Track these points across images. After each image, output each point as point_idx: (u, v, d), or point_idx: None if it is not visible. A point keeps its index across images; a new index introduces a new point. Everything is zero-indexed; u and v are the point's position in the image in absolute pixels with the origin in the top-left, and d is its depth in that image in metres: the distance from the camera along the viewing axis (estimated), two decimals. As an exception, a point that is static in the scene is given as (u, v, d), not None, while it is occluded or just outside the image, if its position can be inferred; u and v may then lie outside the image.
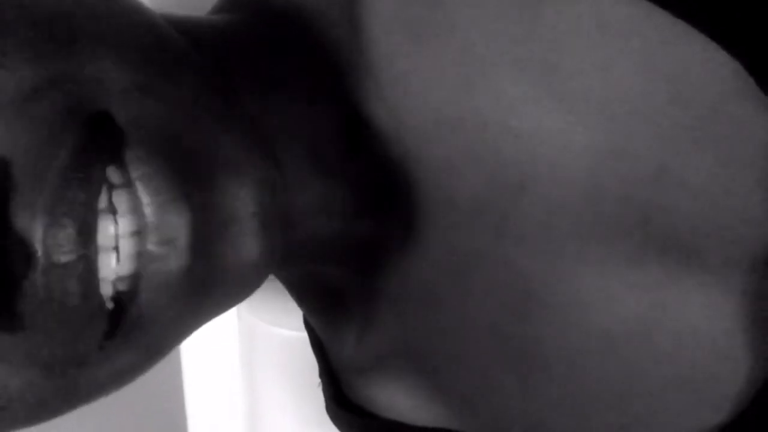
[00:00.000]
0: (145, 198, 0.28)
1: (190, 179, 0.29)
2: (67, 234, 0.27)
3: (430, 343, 0.40)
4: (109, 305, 0.29)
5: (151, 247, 0.28)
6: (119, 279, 0.29)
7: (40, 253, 0.27)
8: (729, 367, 0.34)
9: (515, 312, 0.37)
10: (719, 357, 0.34)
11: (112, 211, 0.28)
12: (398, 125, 0.37)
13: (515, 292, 0.37)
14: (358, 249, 0.40)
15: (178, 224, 0.28)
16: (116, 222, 0.28)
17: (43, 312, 0.28)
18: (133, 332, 0.29)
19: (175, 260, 0.28)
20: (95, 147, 0.28)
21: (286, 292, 0.47)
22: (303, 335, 0.50)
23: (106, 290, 0.29)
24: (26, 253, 0.27)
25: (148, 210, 0.28)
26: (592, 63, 0.32)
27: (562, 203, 0.34)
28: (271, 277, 0.46)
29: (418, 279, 0.39)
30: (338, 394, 0.45)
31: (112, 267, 0.28)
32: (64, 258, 0.27)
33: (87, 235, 0.27)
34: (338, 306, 0.43)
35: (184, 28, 0.36)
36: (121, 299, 0.29)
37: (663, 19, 0.31)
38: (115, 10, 0.32)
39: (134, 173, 0.28)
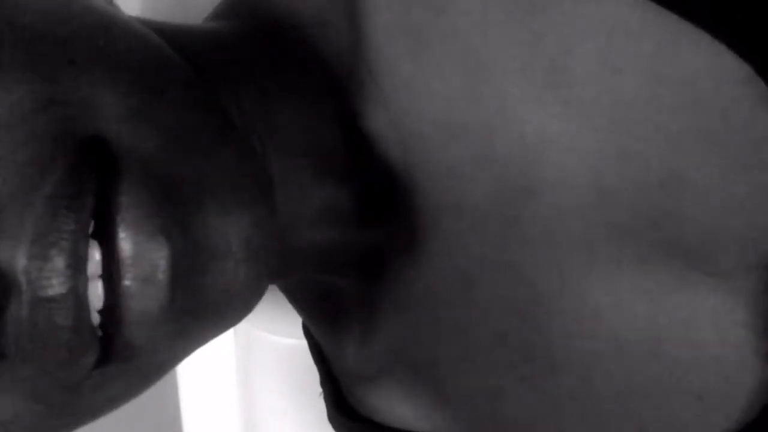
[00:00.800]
0: (122, 232, 0.27)
1: (172, 212, 0.28)
2: (54, 266, 0.26)
3: (433, 350, 0.40)
4: (99, 333, 0.28)
5: (127, 282, 0.27)
6: (106, 308, 0.28)
7: (24, 286, 0.26)
8: (739, 373, 0.34)
9: (521, 319, 0.37)
10: (729, 363, 0.34)
11: (100, 238, 0.27)
12: (401, 132, 0.36)
13: (521, 299, 0.36)
14: (360, 257, 0.40)
15: (157, 259, 0.27)
16: (103, 248, 0.27)
17: (29, 344, 0.27)
18: (122, 361, 0.29)
19: (155, 296, 0.27)
20: (86, 173, 0.27)
21: (283, 300, 0.47)
22: (300, 343, 0.50)
23: (96, 319, 0.28)
24: (6, 284, 0.26)
25: (125, 244, 0.27)
26: (600, 67, 0.32)
27: (570, 209, 0.34)
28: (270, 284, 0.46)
29: (422, 286, 0.39)
30: (340, 401, 0.45)
31: (99, 294, 0.28)
32: (51, 291, 0.26)
33: (76, 266, 0.26)
34: (339, 313, 0.43)
35: (180, 40, 0.36)
36: (108, 328, 0.28)
37: (672, 22, 0.30)
38: (112, 33, 0.31)
39: (118, 204, 0.27)
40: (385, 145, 0.37)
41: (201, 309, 0.29)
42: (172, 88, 0.31)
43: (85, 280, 0.27)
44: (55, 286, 0.26)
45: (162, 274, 0.27)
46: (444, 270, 0.38)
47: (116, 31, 0.31)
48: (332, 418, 0.46)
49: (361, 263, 0.40)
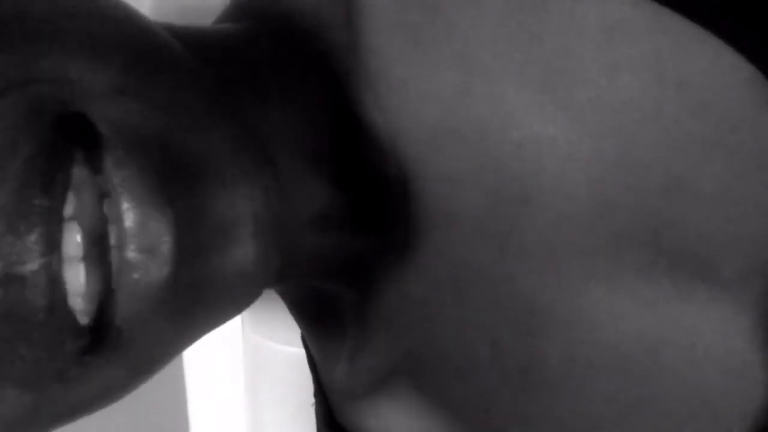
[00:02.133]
0: (125, 204, 0.26)
1: (174, 183, 0.27)
2: (25, 242, 0.25)
3: (427, 361, 0.39)
4: (83, 320, 0.27)
5: (130, 255, 0.26)
6: (99, 292, 0.27)
7: None
8: (743, 384, 0.33)
9: (518, 329, 0.36)
10: (733, 374, 0.33)
11: (80, 218, 0.27)
12: (396, 135, 0.36)
13: (518, 309, 0.36)
14: (354, 264, 0.39)
15: (160, 231, 0.26)
16: (82, 230, 0.27)
17: (5, 326, 0.26)
18: (116, 348, 0.28)
19: (157, 269, 0.27)
20: (62, 149, 0.26)
21: (289, 309, 0.47)
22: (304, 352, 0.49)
23: (77, 304, 0.27)
24: None
25: (127, 216, 0.26)
26: (599, 69, 0.31)
27: (568, 216, 0.33)
28: (276, 294, 0.46)
29: (417, 295, 0.38)
30: (329, 417, 0.44)
31: (81, 280, 0.27)
32: (23, 269, 0.25)
33: (50, 243, 0.26)
34: (334, 324, 0.42)
35: (184, 37, 0.35)
36: (102, 312, 0.28)
37: (674, 22, 0.30)
38: (98, 12, 0.30)
39: (114, 179, 0.27)
40: (380, 148, 0.36)
41: (206, 285, 0.28)
42: (163, 68, 0.30)
43: (59, 258, 0.26)
44: (27, 263, 0.25)
45: (166, 246, 0.26)
46: (439, 279, 0.37)
47: (102, 11, 0.31)
48: None
49: (355, 271, 0.39)
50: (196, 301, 0.29)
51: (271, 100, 0.37)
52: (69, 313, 0.27)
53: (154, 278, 0.27)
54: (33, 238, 0.25)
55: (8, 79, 0.27)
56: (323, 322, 0.43)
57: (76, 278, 0.27)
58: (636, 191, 0.32)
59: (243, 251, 0.29)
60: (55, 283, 0.26)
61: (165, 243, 0.27)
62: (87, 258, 0.27)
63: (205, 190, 0.28)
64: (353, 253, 0.39)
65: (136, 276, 0.27)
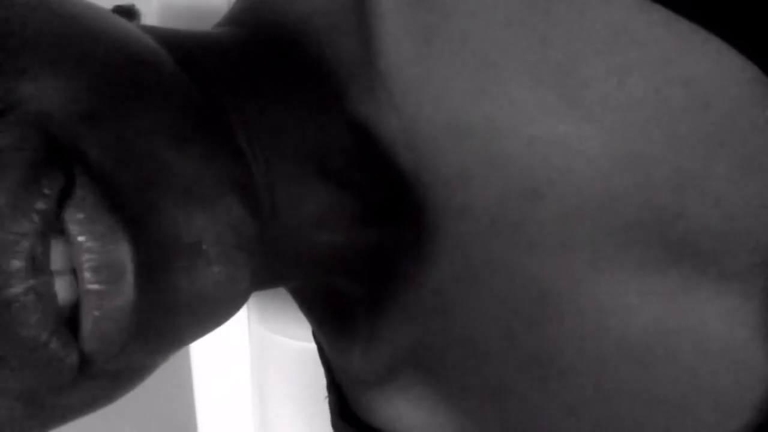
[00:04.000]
0: (81, 233, 0.27)
1: (133, 209, 0.28)
2: (11, 267, 0.26)
3: (440, 353, 0.40)
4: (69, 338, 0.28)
5: (92, 285, 0.27)
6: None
7: None
8: (749, 375, 0.34)
9: (530, 320, 0.37)
10: (739, 365, 0.34)
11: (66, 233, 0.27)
12: (410, 134, 0.36)
13: (530, 301, 0.36)
14: (367, 259, 0.40)
15: (119, 257, 0.27)
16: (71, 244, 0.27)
17: (4, 348, 0.27)
18: (91, 365, 0.28)
19: (119, 295, 0.27)
20: (42, 177, 0.27)
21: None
22: (314, 346, 0.50)
23: (64, 313, 0.28)
24: None
25: (84, 243, 0.27)
26: (608, 69, 0.32)
27: (578, 210, 0.34)
28: (282, 288, 0.46)
29: (430, 288, 0.39)
30: (343, 409, 0.45)
31: (71, 291, 0.27)
32: (10, 292, 0.26)
33: (34, 266, 0.26)
34: (345, 319, 0.43)
35: (184, 45, 0.36)
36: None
37: (679, 24, 0.30)
38: (75, 36, 0.31)
39: (76, 203, 0.27)
40: (394, 147, 0.37)
41: (171, 309, 0.29)
42: (134, 92, 0.31)
43: (47, 279, 0.27)
44: (14, 286, 0.26)
45: (127, 272, 0.27)
46: (451, 273, 0.38)
47: (81, 33, 0.31)
48: (335, 425, 0.46)
49: (368, 267, 0.40)
50: (164, 321, 0.29)
51: (275, 103, 0.37)
52: (62, 329, 0.27)
53: (118, 305, 0.27)
54: (19, 264, 0.26)
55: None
56: (335, 317, 0.44)
57: (64, 290, 0.27)
58: (643, 186, 0.33)
59: (206, 275, 0.29)
60: (44, 302, 0.27)
61: (125, 270, 0.27)
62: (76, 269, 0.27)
63: (164, 216, 0.28)
64: (366, 248, 0.39)
65: (99, 302, 0.27)
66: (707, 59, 0.30)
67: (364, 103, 0.37)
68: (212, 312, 0.30)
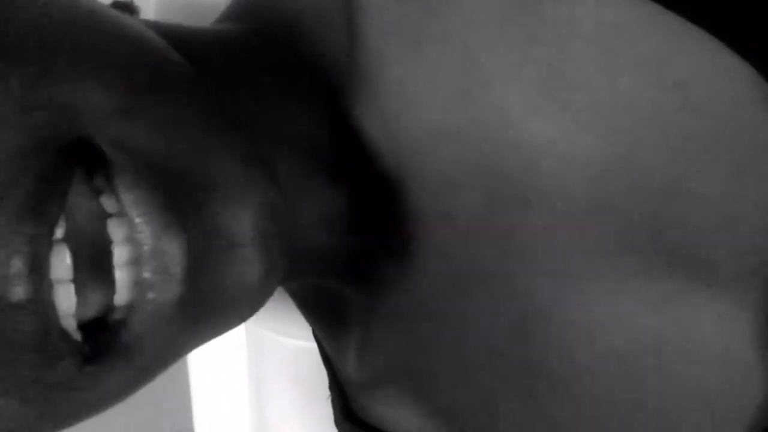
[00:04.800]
0: (139, 225, 0.27)
1: (184, 203, 0.28)
2: (15, 271, 0.26)
3: (430, 362, 0.39)
4: (77, 336, 0.28)
5: (147, 275, 0.27)
6: (116, 308, 0.28)
7: None
8: (742, 384, 0.33)
9: (518, 332, 0.36)
10: (732, 374, 0.33)
11: (71, 240, 0.27)
12: (393, 135, 0.36)
13: (518, 310, 0.36)
14: (358, 263, 0.39)
15: (174, 251, 0.27)
16: (70, 253, 0.27)
17: (3, 351, 0.27)
18: (122, 358, 0.29)
19: (171, 288, 0.28)
20: (61, 175, 0.27)
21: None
22: (312, 345, 0.49)
23: (69, 324, 0.28)
24: None
25: (143, 237, 0.27)
26: (598, 69, 0.31)
27: (567, 217, 0.33)
28: (279, 287, 0.46)
29: (417, 296, 0.38)
30: (346, 408, 0.45)
31: (73, 300, 0.27)
32: (14, 297, 0.26)
33: (38, 271, 0.26)
34: (340, 321, 0.43)
35: (182, 42, 0.35)
36: (107, 324, 0.28)
37: (672, 22, 0.30)
38: (97, 32, 0.31)
39: (125, 200, 0.27)
40: (378, 148, 0.36)
41: (215, 300, 0.29)
42: (164, 86, 0.31)
43: (50, 284, 0.27)
44: (18, 292, 0.26)
45: (180, 265, 0.27)
46: (438, 280, 0.37)
47: (100, 30, 0.31)
48: (338, 424, 0.45)
49: (359, 270, 0.39)
50: (205, 314, 0.29)
51: (270, 100, 0.37)
52: (63, 333, 0.27)
53: (168, 297, 0.28)
54: (23, 268, 0.26)
55: (12, 108, 0.27)
56: (331, 319, 0.43)
57: (68, 299, 0.27)
58: (635, 192, 0.32)
59: (251, 267, 0.29)
60: (47, 308, 0.26)
61: (178, 265, 0.27)
62: (77, 279, 0.27)
63: (213, 210, 0.28)
64: (356, 253, 0.39)
65: (151, 296, 0.28)
66: (701, 59, 0.30)
67: (351, 103, 0.37)
68: (249, 303, 0.31)
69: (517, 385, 0.37)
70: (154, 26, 0.36)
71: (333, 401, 0.46)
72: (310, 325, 0.47)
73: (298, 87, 0.38)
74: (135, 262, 0.27)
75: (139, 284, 0.27)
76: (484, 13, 0.32)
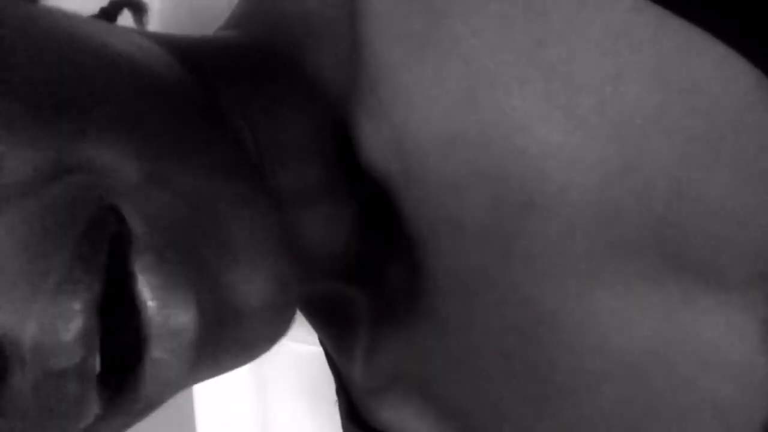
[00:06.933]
0: (150, 300, 0.27)
1: (198, 277, 0.28)
2: (64, 340, 0.26)
3: (436, 367, 0.39)
4: (101, 392, 0.28)
5: (156, 354, 0.28)
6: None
7: (31, 358, 0.26)
8: (751, 389, 0.33)
9: (525, 337, 0.36)
10: (740, 379, 0.33)
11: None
12: (399, 141, 0.36)
13: (525, 316, 0.36)
14: (362, 269, 0.39)
15: (184, 325, 0.28)
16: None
17: (34, 412, 0.27)
18: (129, 410, 0.29)
19: (180, 358, 0.28)
20: (98, 246, 0.27)
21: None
22: (317, 350, 0.49)
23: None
24: (11, 353, 0.26)
25: (151, 310, 0.27)
26: (604, 74, 0.31)
27: (573, 222, 0.33)
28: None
29: (424, 302, 0.38)
30: (353, 412, 0.45)
31: (98, 359, 0.28)
32: (60, 365, 0.26)
33: (87, 341, 0.26)
34: (346, 326, 0.43)
35: (190, 54, 0.36)
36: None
37: (678, 27, 0.29)
38: (131, 90, 0.31)
39: (142, 273, 0.27)
40: (384, 155, 0.36)
41: (220, 361, 0.30)
42: (190, 146, 0.31)
43: (95, 353, 0.27)
44: (65, 360, 0.26)
45: (189, 341, 0.28)
46: (445, 285, 0.37)
47: (127, 88, 0.31)
48: (345, 429, 0.45)
49: (365, 276, 0.39)
50: (208, 370, 0.30)
51: (277, 112, 0.37)
52: (94, 396, 0.28)
53: (176, 366, 0.28)
54: (73, 338, 0.26)
55: (47, 169, 0.27)
56: (337, 324, 0.44)
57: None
58: (642, 197, 0.32)
59: (258, 332, 0.30)
60: (90, 376, 0.27)
61: (188, 336, 0.28)
62: (103, 340, 0.28)
63: (225, 282, 0.29)
64: (363, 258, 0.39)
65: (157, 367, 0.28)
66: (708, 64, 0.29)
67: (356, 110, 0.37)
68: (253, 357, 0.32)
69: (525, 390, 0.37)
70: (157, 38, 0.36)
71: (339, 405, 0.46)
72: (316, 332, 0.47)
73: (303, 95, 0.38)
74: (144, 340, 0.28)
75: (148, 358, 0.28)
76: (489, 19, 0.32)
